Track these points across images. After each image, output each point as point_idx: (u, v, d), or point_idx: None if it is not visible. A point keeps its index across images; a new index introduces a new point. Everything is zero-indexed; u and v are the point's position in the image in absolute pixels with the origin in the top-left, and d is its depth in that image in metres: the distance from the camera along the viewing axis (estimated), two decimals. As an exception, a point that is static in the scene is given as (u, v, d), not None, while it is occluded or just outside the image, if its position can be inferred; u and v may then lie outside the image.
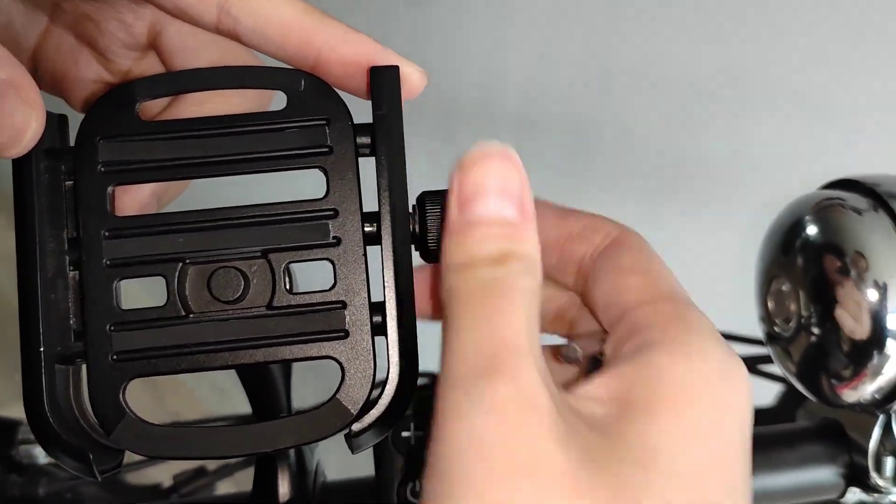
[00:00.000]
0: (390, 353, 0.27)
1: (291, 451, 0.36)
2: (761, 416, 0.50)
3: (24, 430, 0.44)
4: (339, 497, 0.36)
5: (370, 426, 0.26)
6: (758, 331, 0.54)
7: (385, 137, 0.27)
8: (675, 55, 0.78)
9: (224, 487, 0.50)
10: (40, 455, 0.44)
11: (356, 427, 0.26)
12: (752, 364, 0.50)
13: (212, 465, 0.48)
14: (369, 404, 0.27)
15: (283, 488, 0.35)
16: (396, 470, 0.34)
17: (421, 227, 0.28)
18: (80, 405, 0.28)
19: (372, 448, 0.35)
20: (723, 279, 0.82)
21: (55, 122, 0.29)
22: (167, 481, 0.48)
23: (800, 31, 0.70)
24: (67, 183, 0.28)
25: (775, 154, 0.77)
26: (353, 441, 0.26)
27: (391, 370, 0.26)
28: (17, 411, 0.36)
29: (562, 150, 0.89)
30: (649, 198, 0.86)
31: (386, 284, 0.27)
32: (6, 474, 0.41)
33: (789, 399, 0.50)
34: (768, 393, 0.52)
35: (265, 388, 0.33)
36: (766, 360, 0.51)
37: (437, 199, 0.28)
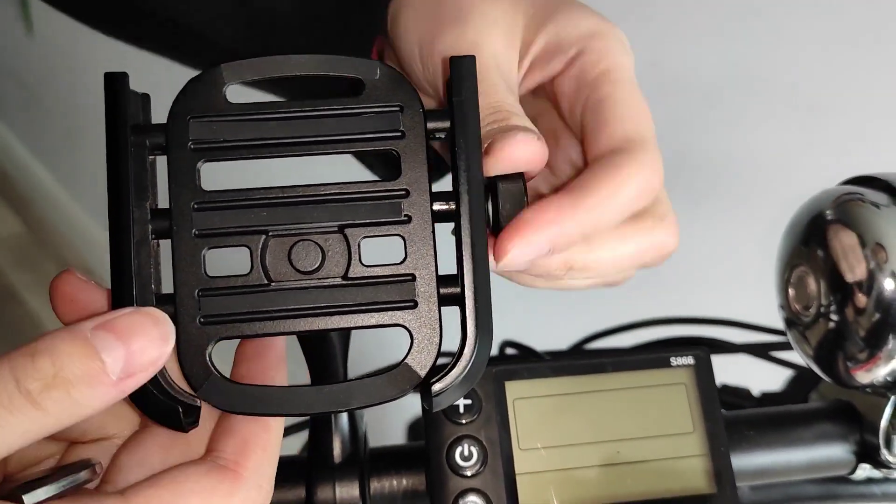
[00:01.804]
0: (468, 321, 0.29)
1: (344, 417, 0.38)
2: (772, 400, 0.53)
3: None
4: (387, 461, 0.39)
5: (450, 387, 0.28)
6: (766, 320, 0.57)
7: (463, 121, 0.30)
8: (683, 57, 0.81)
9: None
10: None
11: (437, 387, 0.28)
12: (765, 351, 0.53)
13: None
14: (435, 370, 0.29)
15: (337, 450, 0.38)
16: (446, 436, 0.36)
17: (493, 206, 0.30)
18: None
19: (422, 415, 0.38)
20: (728, 273, 0.85)
21: (139, 100, 0.31)
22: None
23: (809, 33, 0.73)
24: (150, 158, 0.30)
25: (778, 154, 0.79)
26: (433, 400, 0.28)
27: (469, 336, 0.29)
28: None
29: None
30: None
31: (464, 257, 0.29)
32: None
33: (798, 384, 0.53)
34: (779, 378, 0.54)
35: (325, 355, 0.35)
36: (777, 347, 0.54)
37: (508, 180, 0.30)
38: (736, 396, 0.54)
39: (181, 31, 0.43)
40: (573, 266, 0.32)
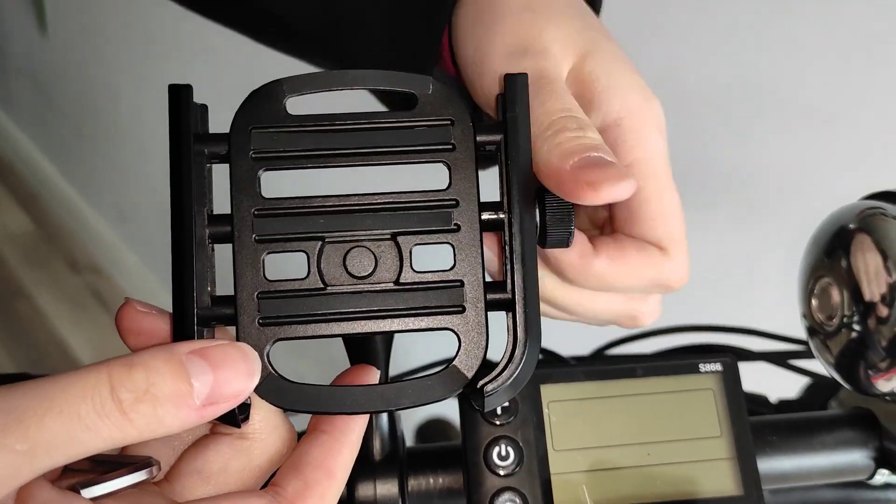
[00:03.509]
0: (518, 325, 0.30)
1: (384, 418, 0.40)
2: (789, 407, 0.54)
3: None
4: (424, 460, 0.40)
5: (501, 388, 0.30)
6: (784, 329, 0.58)
7: (515, 136, 0.31)
8: (693, 70, 0.82)
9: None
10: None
11: (490, 387, 0.30)
12: (783, 359, 0.54)
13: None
14: (482, 372, 0.31)
15: (377, 449, 0.39)
16: (483, 437, 0.38)
17: (541, 217, 0.31)
18: None
19: (459, 416, 0.39)
20: (745, 282, 0.86)
21: (198, 110, 0.32)
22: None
23: (823, 44, 0.74)
24: (208, 165, 0.32)
25: (795, 165, 0.81)
26: (485, 400, 0.30)
27: (519, 340, 0.30)
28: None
29: None
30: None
31: (515, 265, 0.30)
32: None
33: (814, 392, 0.54)
34: (794, 386, 0.56)
35: (370, 357, 0.36)
36: (795, 355, 0.56)
37: (551, 195, 0.32)
38: (753, 403, 0.55)
39: (261, 15, 0.45)
40: (551, 301, 0.34)
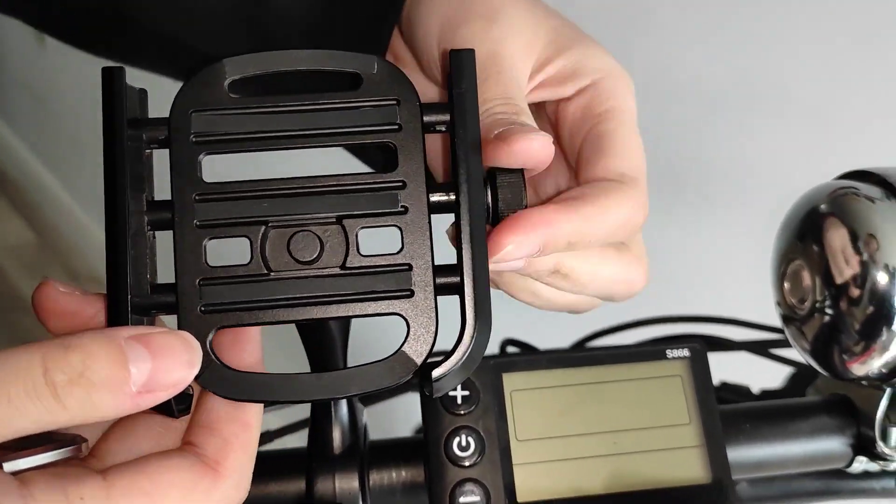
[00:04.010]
0: (467, 308, 0.29)
1: (344, 408, 0.39)
2: (771, 397, 0.53)
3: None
4: (386, 454, 0.39)
5: (449, 372, 0.29)
6: (766, 319, 0.57)
7: (462, 113, 0.30)
8: (686, 64, 0.81)
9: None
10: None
11: (437, 372, 0.29)
12: (764, 349, 0.53)
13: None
14: (431, 359, 0.30)
15: (336, 441, 0.38)
16: (443, 427, 0.37)
17: (493, 196, 0.31)
18: None
19: (420, 407, 0.38)
20: (729, 275, 0.85)
21: (136, 95, 0.31)
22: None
23: (807, 40, 0.73)
24: (146, 151, 0.31)
25: (779, 158, 0.80)
26: (434, 385, 0.29)
27: (468, 323, 0.29)
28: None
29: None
30: (661, 198, 0.89)
31: (463, 246, 0.30)
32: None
33: (797, 381, 0.53)
34: (778, 375, 0.55)
35: (324, 344, 0.36)
36: (777, 344, 0.54)
37: (508, 173, 0.31)
38: (736, 394, 0.54)
39: (180, 49, 0.44)
40: (560, 269, 0.32)
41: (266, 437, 0.52)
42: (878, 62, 0.71)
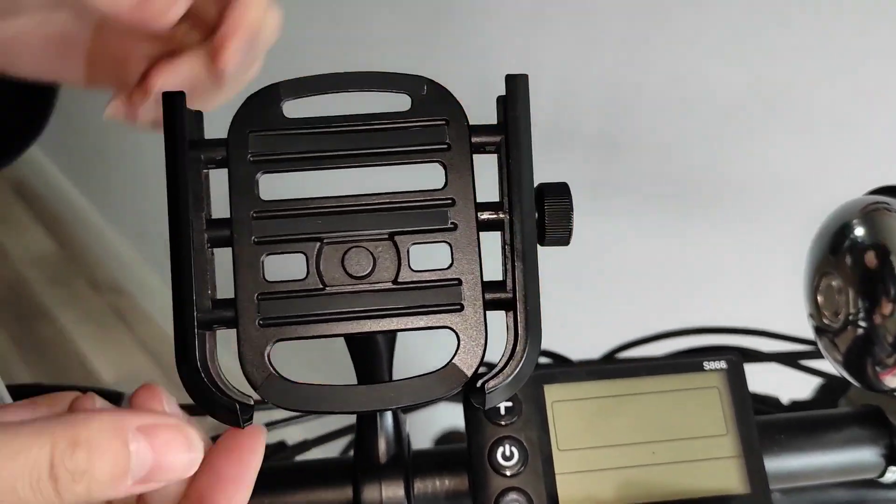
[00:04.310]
0: (519, 324, 0.30)
1: (389, 419, 0.40)
2: (801, 408, 0.54)
3: (126, 400, 0.47)
4: (430, 463, 0.40)
5: (501, 385, 0.30)
6: (793, 330, 0.58)
7: (517, 136, 0.31)
8: (703, 73, 0.82)
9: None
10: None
11: (491, 384, 0.30)
12: (794, 359, 0.54)
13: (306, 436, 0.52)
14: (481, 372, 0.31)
15: (382, 450, 0.39)
16: (487, 437, 0.38)
17: (540, 216, 0.32)
18: (215, 365, 0.32)
19: (464, 418, 0.39)
20: (755, 284, 0.85)
21: (193, 117, 0.33)
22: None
23: (823, 49, 0.74)
24: (204, 171, 0.32)
25: (802, 168, 0.81)
26: (486, 397, 0.30)
27: (520, 337, 0.30)
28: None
29: (592, 161, 0.93)
30: (675, 209, 0.90)
31: (516, 263, 0.31)
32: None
33: (826, 392, 0.54)
34: (807, 387, 0.55)
35: (372, 357, 0.37)
36: (806, 355, 0.55)
37: (554, 192, 0.32)
38: (765, 404, 0.55)
39: None
40: None
41: (303, 446, 0.53)
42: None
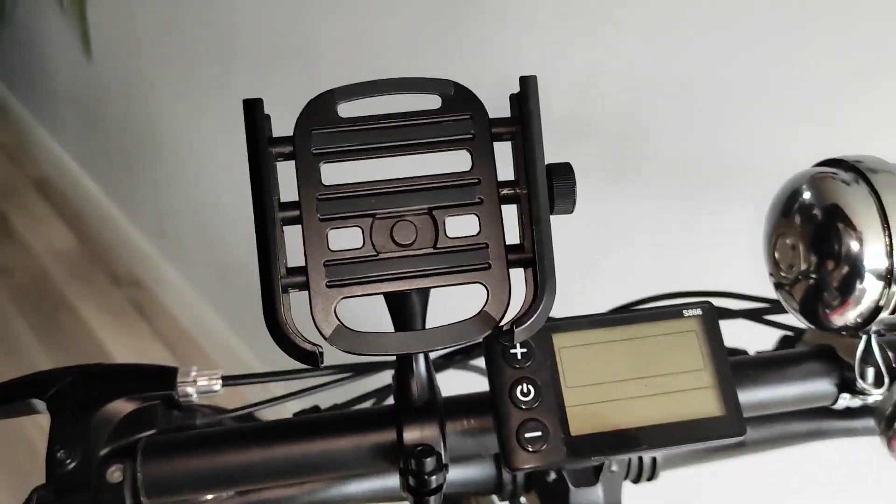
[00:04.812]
0: (538, 276, 0.38)
1: (423, 369, 0.47)
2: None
3: (181, 374, 0.54)
4: (459, 406, 0.48)
5: (528, 325, 0.37)
6: (762, 292, 0.66)
7: (529, 125, 0.39)
8: (708, 70, 0.90)
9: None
10: (194, 395, 0.54)
11: (519, 324, 0.37)
12: (759, 315, 0.62)
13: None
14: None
15: (416, 393, 0.46)
16: (507, 378, 0.45)
17: (549, 190, 0.39)
18: (291, 321, 0.39)
19: (486, 365, 0.47)
20: (738, 262, 0.94)
21: (268, 119, 0.40)
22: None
23: (815, 51, 0.82)
24: (274, 163, 0.39)
25: (778, 157, 0.89)
26: (516, 332, 0.37)
27: (540, 287, 0.38)
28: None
29: (606, 152, 1.02)
30: (681, 195, 0.98)
31: (535, 229, 0.38)
32: (169, 410, 0.52)
33: (786, 342, 0.62)
34: (768, 342, 0.64)
35: (408, 311, 0.44)
36: (769, 311, 0.63)
37: (560, 170, 0.39)
38: (735, 355, 0.63)
39: None
40: None
41: (335, 409, 0.61)
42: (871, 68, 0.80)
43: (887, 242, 0.46)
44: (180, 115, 1.78)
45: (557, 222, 0.41)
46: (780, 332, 0.63)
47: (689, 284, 0.70)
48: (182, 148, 1.83)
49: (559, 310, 0.55)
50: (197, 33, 1.60)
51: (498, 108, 0.42)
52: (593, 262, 1.07)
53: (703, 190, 0.93)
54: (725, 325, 0.61)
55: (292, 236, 0.40)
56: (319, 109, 0.40)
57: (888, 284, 0.47)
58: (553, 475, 0.55)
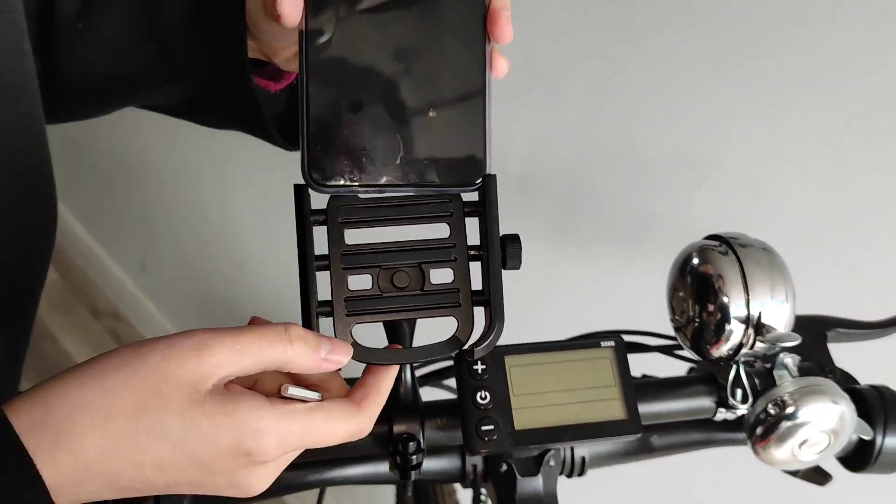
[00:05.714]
0: (492, 313, 0.55)
1: (408, 375, 0.64)
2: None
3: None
4: (434, 408, 0.65)
5: (484, 346, 0.54)
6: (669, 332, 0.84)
7: (490, 211, 0.56)
8: (646, 138, 1.06)
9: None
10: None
11: (479, 347, 0.54)
12: (670, 350, 0.80)
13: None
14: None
15: (402, 396, 0.63)
16: (471, 386, 0.63)
17: (503, 253, 0.56)
18: None
19: (455, 377, 0.64)
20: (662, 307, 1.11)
21: (308, 196, 0.57)
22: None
23: (741, 122, 0.99)
24: (313, 227, 0.56)
25: (686, 215, 1.06)
26: (475, 351, 0.54)
27: (493, 321, 0.55)
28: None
29: (555, 207, 1.18)
30: (620, 252, 1.16)
31: (491, 281, 0.55)
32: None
33: (691, 371, 0.80)
34: (682, 368, 0.81)
35: (402, 334, 0.61)
36: (678, 347, 0.81)
37: (511, 240, 0.57)
38: (645, 378, 0.80)
39: (104, 80, 0.64)
40: None
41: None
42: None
43: (746, 298, 0.64)
44: (167, 154, 1.86)
45: (512, 275, 0.59)
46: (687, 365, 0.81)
47: (621, 324, 0.88)
48: (167, 186, 1.90)
49: (514, 338, 0.73)
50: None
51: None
52: (543, 304, 1.24)
53: (637, 242, 1.11)
54: (650, 359, 0.79)
55: (322, 278, 0.57)
56: (342, 195, 0.57)
57: (748, 328, 0.65)
58: (504, 466, 0.71)
